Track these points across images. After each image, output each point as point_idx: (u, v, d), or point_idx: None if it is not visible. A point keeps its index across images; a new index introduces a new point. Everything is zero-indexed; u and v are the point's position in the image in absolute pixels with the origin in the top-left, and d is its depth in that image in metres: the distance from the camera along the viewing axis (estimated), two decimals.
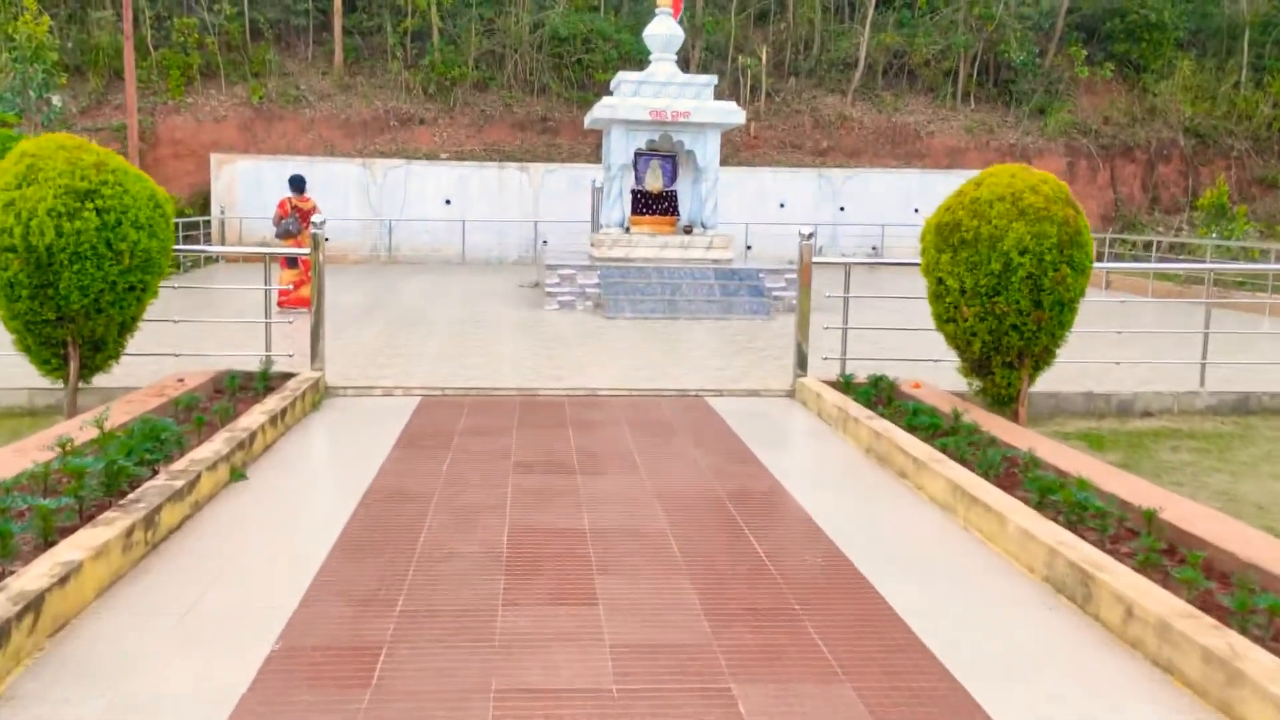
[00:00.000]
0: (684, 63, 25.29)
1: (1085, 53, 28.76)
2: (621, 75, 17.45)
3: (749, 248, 25.72)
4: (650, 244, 17.28)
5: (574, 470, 6.43)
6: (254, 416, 6.87)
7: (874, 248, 27.40)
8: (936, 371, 9.87)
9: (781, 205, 26.84)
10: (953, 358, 8.48)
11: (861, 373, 9.42)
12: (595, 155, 27.69)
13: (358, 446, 7.04)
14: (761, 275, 16.13)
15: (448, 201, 26.36)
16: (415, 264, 25.71)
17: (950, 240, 7.85)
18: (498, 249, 26.52)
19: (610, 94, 17.88)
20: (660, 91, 17.33)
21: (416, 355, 10.87)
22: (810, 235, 9.35)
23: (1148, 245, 26.14)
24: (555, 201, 26.52)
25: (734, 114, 17.15)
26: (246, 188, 25.56)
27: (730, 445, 7.28)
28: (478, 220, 26.19)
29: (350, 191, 26.02)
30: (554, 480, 6.18)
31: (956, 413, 7.24)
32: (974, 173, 28.87)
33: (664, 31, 17.71)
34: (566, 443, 7.21)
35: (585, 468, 6.50)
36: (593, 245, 18.35)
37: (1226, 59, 29.98)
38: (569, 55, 28.79)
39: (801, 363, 9.28)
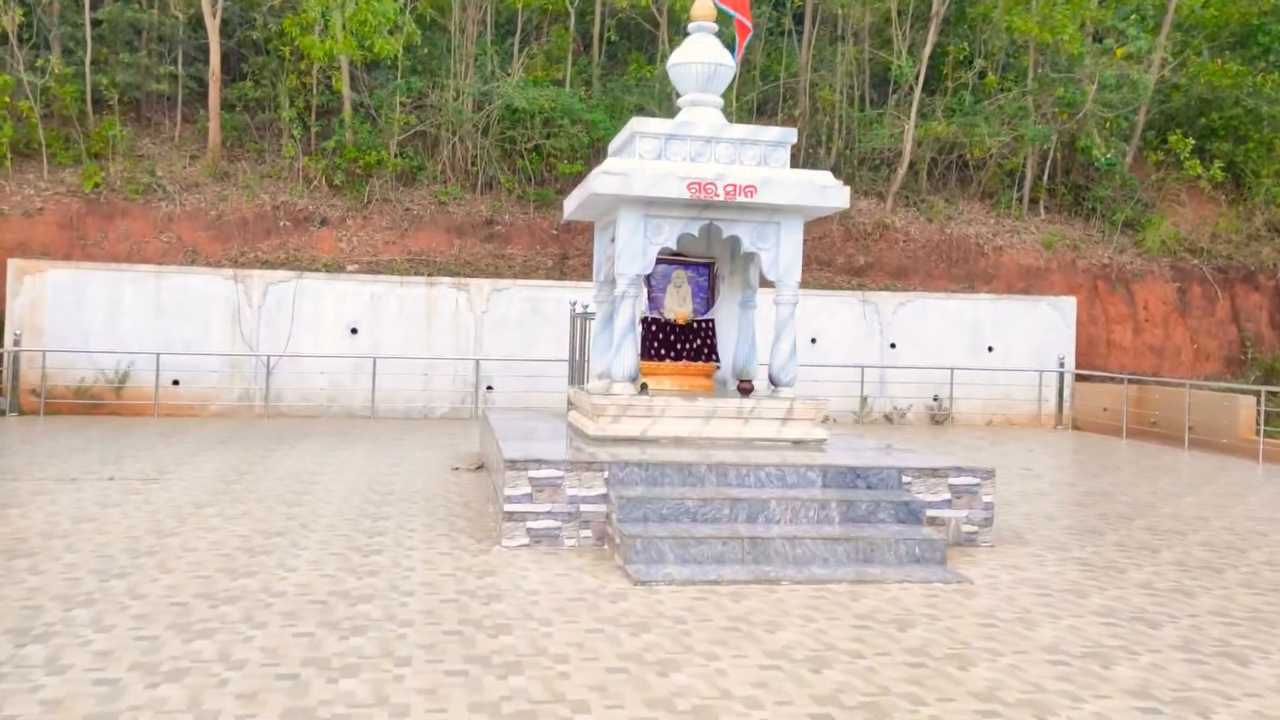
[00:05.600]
0: None
1: (1192, 142, 22.40)
2: (636, 124, 10.23)
3: None
4: (683, 412, 9.82)
5: None
6: None
7: (936, 398, 20.29)
8: None
9: (813, 340, 19.71)
10: None
11: None
12: (561, 269, 20.42)
13: None
14: (907, 480, 8.68)
15: (354, 330, 18.77)
16: (303, 419, 17.90)
17: None
18: (423, 398, 18.85)
19: (607, 161, 10.61)
20: (703, 151, 10.11)
21: None
22: None
23: None
24: (506, 331, 19.08)
25: (830, 191, 9.97)
26: (61, 308, 17.74)
27: None
28: (396, 357, 18.58)
29: (215, 315, 18.32)
30: None
31: None
32: (1063, 299, 22.10)
33: (704, 59, 10.61)
34: None
35: None
36: (581, 411, 10.81)
37: None
38: (524, 140, 21.77)
39: None
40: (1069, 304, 20.73)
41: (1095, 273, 21.77)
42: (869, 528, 8.06)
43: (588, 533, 8.28)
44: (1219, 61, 23.36)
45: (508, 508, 8.20)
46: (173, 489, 10.35)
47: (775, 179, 9.83)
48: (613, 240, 10.39)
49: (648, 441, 9.61)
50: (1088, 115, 22.39)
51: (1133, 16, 22.57)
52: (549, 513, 8.24)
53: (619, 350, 9.99)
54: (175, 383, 18.03)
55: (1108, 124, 22.76)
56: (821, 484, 8.56)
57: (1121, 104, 22.76)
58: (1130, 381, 18.91)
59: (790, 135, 10.35)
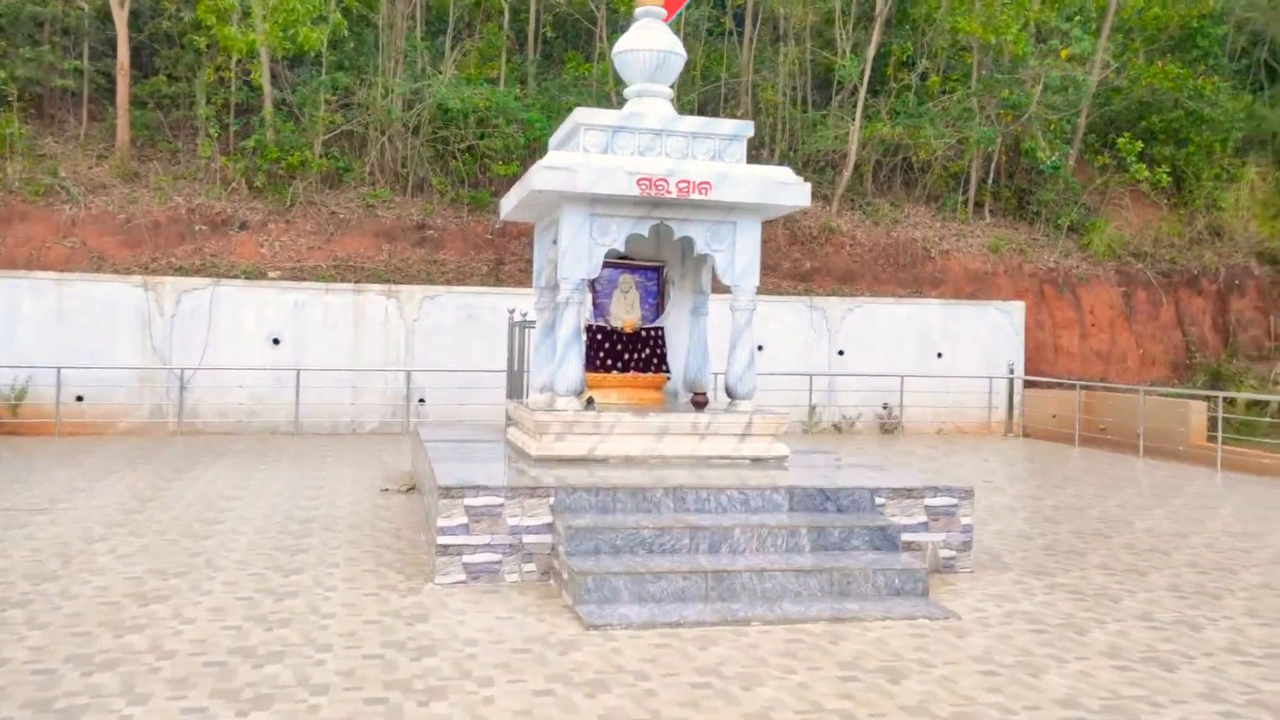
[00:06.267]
0: None
1: (1140, 145, 22.20)
2: (581, 116, 9.40)
3: None
4: (634, 428, 9.01)
5: None
6: None
7: (885, 406, 19.74)
8: None
9: (760, 348, 19.01)
10: None
11: None
12: (497, 275, 19.49)
13: None
14: (880, 501, 7.97)
15: (275, 340, 17.63)
16: (220, 436, 16.72)
17: None
18: (351, 412, 17.77)
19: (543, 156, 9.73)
20: (653, 145, 9.33)
21: None
22: None
23: (1252, 405, 19.24)
24: (439, 341, 18.08)
25: (790, 188, 9.23)
26: None
27: None
28: (321, 369, 17.49)
29: (123, 325, 17.06)
30: None
31: None
32: (1012, 304, 21.51)
33: (653, 46, 9.82)
34: None
35: None
36: (521, 428, 9.94)
37: None
38: (457, 140, 20.80)
39: None
40: (1017, 309, 20.35)
41: (1041, 277, 21.44)
42: (843, 557, 7.32)
43: (531, 567, 7.42)
44: (1159, 64, 23.24)
45: (441, 540, 7.30)
46: (63, 521, 9.25)
47: (731, 175, 9.07)
48: (555, 242, 9.55)
49: (595, 462, 8.78)
50: (1032, 117, 22.07)
51: (1076, 17, 22.32)
52: (488, 545, 7.36)
53: (563, 361, 9.14)
54: (79, 399, 16.74)
55: (1051, 126, 22.47)
56: (788, 508, 7.80)
57: (1065, 106, 22.49)
58: (1081, 388, 18.53)
59: (747, 128, 9.61)
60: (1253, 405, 19.17)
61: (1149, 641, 6.24)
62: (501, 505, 7.40)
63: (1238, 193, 22.52)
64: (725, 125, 9.57)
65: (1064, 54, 21.59)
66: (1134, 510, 11.23)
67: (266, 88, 19.95)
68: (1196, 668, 5.76)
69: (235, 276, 17.92)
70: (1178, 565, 8.46)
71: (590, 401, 9.47)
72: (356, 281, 18.34)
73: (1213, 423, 16.88)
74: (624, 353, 10.29)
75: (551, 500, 7.49)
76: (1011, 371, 20.00)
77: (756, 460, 9.18)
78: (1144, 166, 21.93)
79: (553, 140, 10.50)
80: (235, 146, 20.08)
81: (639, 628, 6.28)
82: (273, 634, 5.97)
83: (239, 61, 20.26)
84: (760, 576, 6.92)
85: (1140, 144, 22.11)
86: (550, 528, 7.43)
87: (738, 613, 6.58)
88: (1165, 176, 22.40)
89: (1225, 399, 16.39)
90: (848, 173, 21.79)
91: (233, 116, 20.38)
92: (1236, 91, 24.66)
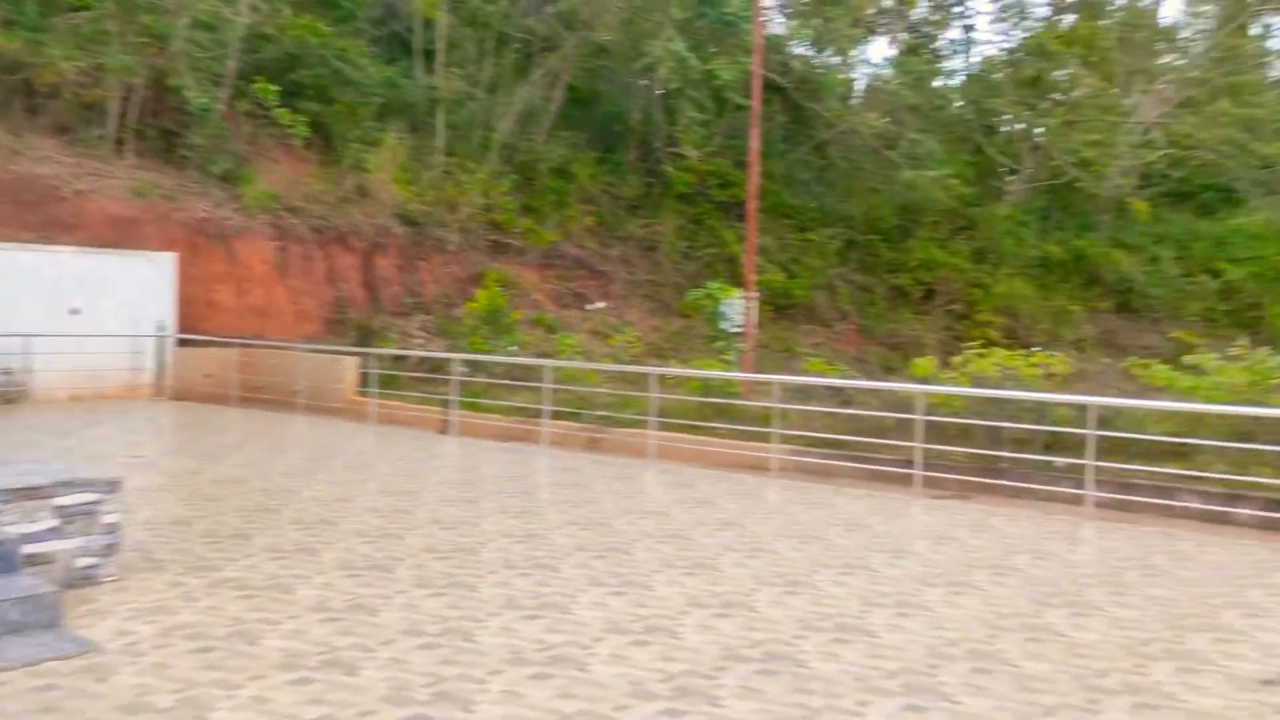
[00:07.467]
0: None
1: (276, 88, 21.94)
2: None
3: None
4: None
5: None
6: None
7: (7, 370, 16.72)
8: None
9: None
10: None
11: None
12: None
13: None
14: None
15: None
16: None
17: None
18: None
19: None
20: None
21: None
22: None
23: (396, 360, 20.41)
24: None
25: None
26: None
27: None
28: None
29: None
30: None
31: None
32: (162, 256, 19.79)
33: None
34: None
35: None
36: None
37: (426, 138, 25.91)
38: None
39: None
40: (168, 261, 18.69)
41: (194, 227, 20.07)
42: None
43: None
44: (307, 19, 23.29)
45: None
46: None
47: None
48: None
49: None
50: (181, 53, 20.44)
51: None
52: None
53: None
54: None
55: (201, 65, 21.09)
56: None
57: (214, 45, 21.28)
58: (240, 346, 17.75)
59: None
60: (396, 359, 20.31)
61: (327, 638, 5.61)
62: None
63: (379, 156, 23.65)
64: None
65: None
66: (299, 477, 10.75)
67: None
68: (379, 663, 5.26)
69: None
70: (347, 536, 8.09)
71: None
72: None
73: (364, 378, 17.45)
74: None
75: None
76: (162, 329, 18.36)
77: None
78: (286, 112, 21.78)
79: None
80: None
81: None
82: None
83: None
84: None
85: (276, 88, 21.88)
86: None
87: None
88: (306, 128, 22.51)
89: (376, 355, 16.99)
90: None
91: None
92: (378, 60, 25.90)
